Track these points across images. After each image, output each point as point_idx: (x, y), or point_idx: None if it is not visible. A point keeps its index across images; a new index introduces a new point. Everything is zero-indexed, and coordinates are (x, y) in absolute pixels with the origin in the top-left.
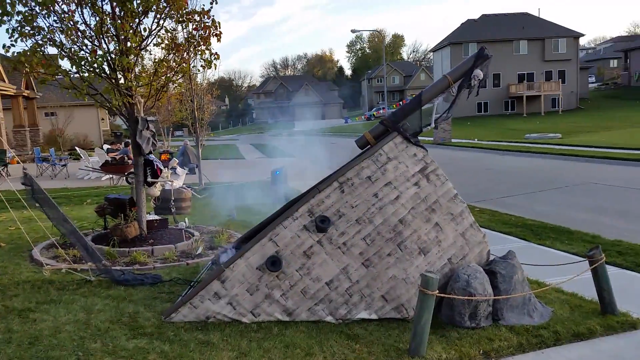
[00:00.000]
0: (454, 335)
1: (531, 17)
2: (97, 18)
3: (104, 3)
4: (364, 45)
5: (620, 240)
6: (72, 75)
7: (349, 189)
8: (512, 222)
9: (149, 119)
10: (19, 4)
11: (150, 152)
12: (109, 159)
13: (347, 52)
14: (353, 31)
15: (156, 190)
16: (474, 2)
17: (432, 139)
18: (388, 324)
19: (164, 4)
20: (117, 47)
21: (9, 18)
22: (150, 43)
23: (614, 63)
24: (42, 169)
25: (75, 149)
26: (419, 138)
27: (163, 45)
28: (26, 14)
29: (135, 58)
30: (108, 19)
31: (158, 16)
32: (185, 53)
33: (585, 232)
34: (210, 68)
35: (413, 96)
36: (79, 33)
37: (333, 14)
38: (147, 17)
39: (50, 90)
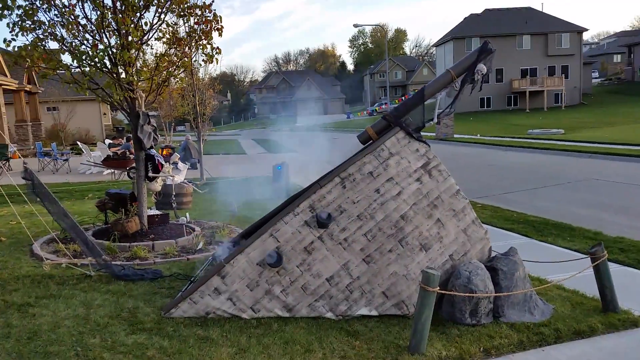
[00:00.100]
0: (455, 332)
1: (534, 11)
2: (98, 12)
3: None
4: (367, 40)
5: (622, 237)
6: (73, 70)
7: (350, 184)
8: (514, 219)
9: (150, 113)
10: None
11: (151, 147)
12: (111, 154)
13: (350, 46)
14: (355, 25)
15: (157, 185)
16: None
17: (434, 134)
18: (388, 321)
19: None
20: (118, 42)
21: (10, 12)
22: (151, 37)
23: (617, 58)
24: (43, 164)
25: (77, 144)
26: (422, 133)
27: (164, 40)
28: (27, 7)
29: (136, 52)
30: (109, 13)
31: (159, 10)
32: (186, 47)
33: (588, 228)
34: (211, 62)
35: (416, 91)
36: (80, 27)
37: (335, 9)
38: (149, 11)
39: (52, 85)
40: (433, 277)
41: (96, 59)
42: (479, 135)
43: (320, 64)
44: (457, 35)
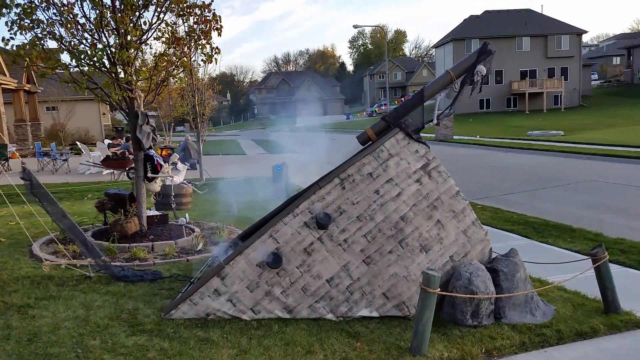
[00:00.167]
0: (456, 333)
1: (534, 13)
2: (97, 11)
3: None
4: (366, 41)
5: (623, 238)
6: (71, 69)
7: (350, 185)
8: (514, 220)
9: (149, 113)
10: None
11: (150, 147)
12: (110, 154)
13: (349, 47)
14: (355, 26)
15: (156, 186)
16: None
17: (434, 135)
18: (389, 322)
19: None
20: (117, 41)
21: (8, 10)
22: (150, 37)
23: (616, 60)
24: (43, 164)
25: (77, 144)
26: (421, 134)
27: (163, 39)
28: (25, 6)
29: (135, 52)
30: (108, 12)
31: (158, 9)
32: (185, 47)
33: (588, 229)
34: (211, 62)
35: (415, 92)
36: (79, 26)
37: (335, 9)
38: (148, 11)
39: (51, 84)
40: (434, 278)
41: (95, 58)
42: (478, 136)
43: (320, 64)
44: (456, 37)
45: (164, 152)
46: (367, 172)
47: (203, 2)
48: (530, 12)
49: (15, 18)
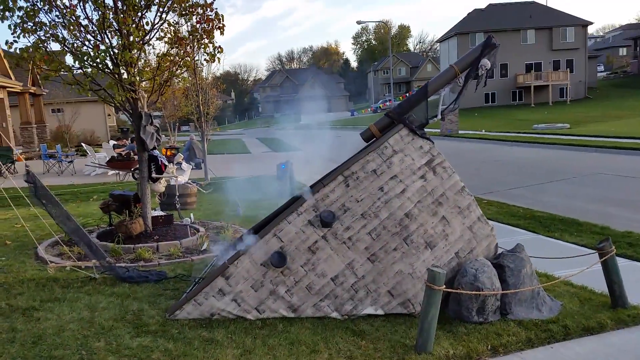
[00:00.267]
0: (462, 330)
1: (539, 5)
2: (99, 12)
3: None
4: (370, 36)
5: (630, 232)
6: (75, 71)
7: (354, 182)
8: (520, 214)
9: (154, 114)
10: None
11: (154, 148)
12: (116, 155)
13: (353, 44)
14: (359, 22)
15: (160, 186)
16: None
17: (439, 130)
18: (394, 320)
19: None
20: (120, 42)
21: (11, 14)
22: (153, 37)
23: (623, 51)
24: (48, 166)
25: (82, 145)
26: (425, 130)
27: (166, 39)
28: (28, 9)
29: (138, 52)
30: (110, 13)
31: (161, 10)
32: (188, 47)
33: (595, 223)
34: (213, 62)
35: (419, 87)
36: (81, 28)
37: (336, 6)
38: (150, 11)
39: (56, 86)
40: (439, 275)
41: (98, 60)
42: (484, 130)
43: (324, 61)
44: (461, 31)
45: (168, 152)
46: (371, 169)
47: (205, 1)
48: (534, 4)
49: (18, 21)
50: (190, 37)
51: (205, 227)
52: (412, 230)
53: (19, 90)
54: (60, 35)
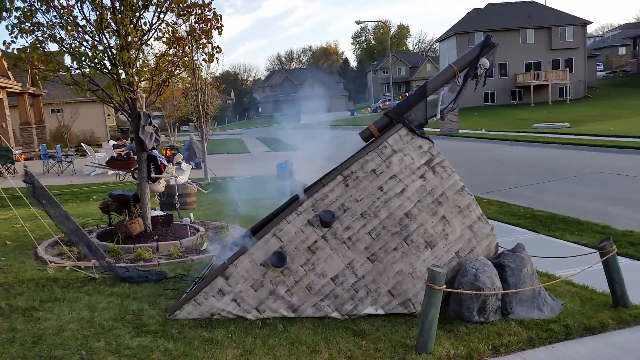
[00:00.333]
0: (463, 330)
1: (538, 5)
2: (97, 13)
3: None
4: (369, 36)
5: (631, 231)
6: (73, 72)
7: (353, 182)
8: (520, 214)
9: (153, 114)
10: (17, 0)
11: (153, 148)
12: (115, 155)
13: (352, 43)
14: (358, 22)
15: (160, 186)
16: None
17: (438, 130)
18: (395, 320)
19: None
20: (118, 42)
21: (9, 14)
22: (151, 37)
23: (622, 50)
24: (48, 166)
25: (82, 145)
26: (425, 129)
27: (164, 40)
28: (25, 9)
29: (136, 53)
30: (108, 13)
31: (159, 10)
32: (186, 47)
33: (595, 222)
34: (212, 62)
35: (418, 87)
36: (79, 28)
37: (335, 6)
38: (148, 11)
39: (55, 87)
40: (439, 275)
41: (96, 60)
42: (483, 130)
43: (323, 61)
44: (460, 30)
45: (168, 152)
46: (370, 169)
47: (203, 1)
48: (533, 4)
49: (16, 21)
50: (189, 37)
51: (205, 227)
52: (412, 230)
53: (18, 91)
54: (58, 36)
